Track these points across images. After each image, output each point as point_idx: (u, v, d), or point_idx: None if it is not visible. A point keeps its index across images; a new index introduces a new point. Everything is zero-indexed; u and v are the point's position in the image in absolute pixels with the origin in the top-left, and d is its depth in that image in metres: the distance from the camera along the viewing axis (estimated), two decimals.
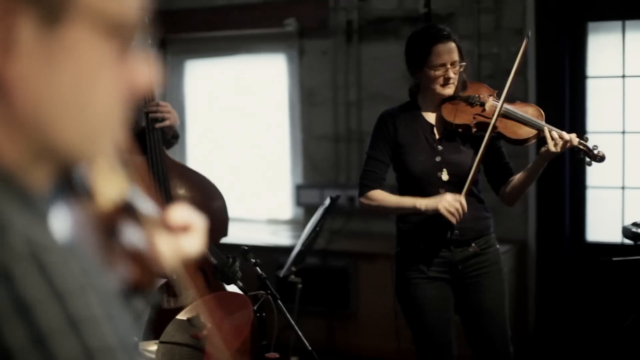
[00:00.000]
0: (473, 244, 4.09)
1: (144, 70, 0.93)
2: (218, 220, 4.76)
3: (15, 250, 0.76)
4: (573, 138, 3.89)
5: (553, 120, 5.86)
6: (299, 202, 6.95)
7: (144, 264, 1.19)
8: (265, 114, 7.35)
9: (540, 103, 6.00)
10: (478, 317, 4.15)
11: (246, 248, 3.56)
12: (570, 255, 6.11)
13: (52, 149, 0.86)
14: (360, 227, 6.66)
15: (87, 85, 0.86)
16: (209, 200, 4.75)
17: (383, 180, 4.19)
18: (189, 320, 3.01)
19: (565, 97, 6.04)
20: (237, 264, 3.54)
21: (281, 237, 6.85)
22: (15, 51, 0.80)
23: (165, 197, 4.59)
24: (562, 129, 4.04)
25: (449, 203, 3.88)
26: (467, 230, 4.05)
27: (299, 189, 6.98)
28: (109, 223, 1.12)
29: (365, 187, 4.20)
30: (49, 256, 0.77)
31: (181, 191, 4.71)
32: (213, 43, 7.49)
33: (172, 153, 7.33)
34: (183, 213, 1.35)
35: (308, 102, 6.99)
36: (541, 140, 3.98)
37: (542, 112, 4.11)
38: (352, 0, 6.70)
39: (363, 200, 4.22)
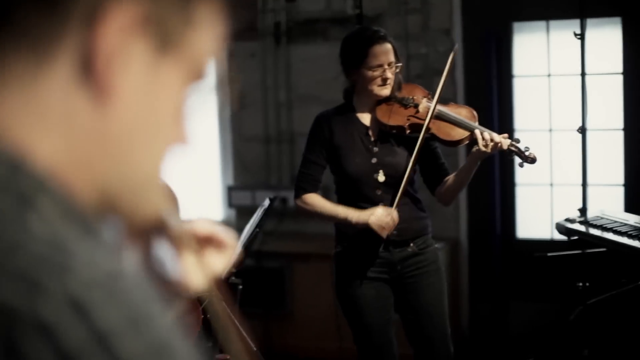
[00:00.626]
0: (412, 244, 4.13)
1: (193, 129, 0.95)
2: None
3: (83, 278, 0.72)
4: (503, 141, 3.96)
5: (482, 118, 5.93)
6: (230, 203, 6.94)
7: (170, 284, 1.17)
8: (194, 114, 7.29)
9: (469, 102, 6.11)
10: (417, 316, 4.19)
11: None
12: (502, 252, 6.20)
13: (122, 178, 0.85)
14: (294, 228, 6.67)
15: (164, 120, 0.88)
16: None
17: (319, 183, 4.23)
18: None
19: (493, 96, 6.14)
20: None
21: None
22: (125, 65, 0.80)
23: None
24: (491, 128, 4.12)
25: (379, 218, 3.93)
26: (404, 230, 4.07)
27: (230, 191, 6.97)
28: (146, 243, 1.12)
29: (300, 189, 4.23)
30: (120, 282, 0.74)
31: None
32: None
33: None
34: (207, 226, 1.34)
35: (238, 103, 6.98)
36: (474, 141, 4.03)
37: (475, 114, 4.19)
38: (280, 2, 6.72)
39: (299, 202, 4.26)
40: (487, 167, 5.93)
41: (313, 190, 4.20)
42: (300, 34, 6.71)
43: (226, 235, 1.35)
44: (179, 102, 0.91)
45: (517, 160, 4.08)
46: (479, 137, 3.94)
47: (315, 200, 4.18)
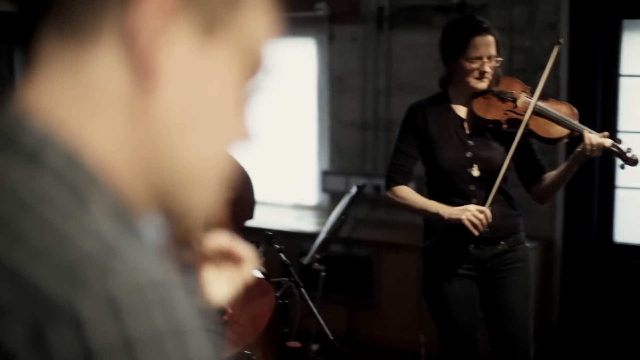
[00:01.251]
0: (502, 242, 4.02)
1: (255, 121, 0.91)
2: (245, 202, 4.73)
3: (125, 281, 0.71)
4: (605, 140, 3.81)
5: (584, 117, 5.79)
6: (324, 188, 6.92)
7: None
8: (294, 98, 7.31)
9: (571, 100, 5.95)
10: (500, 313, 4.09)
11: (270, 233, 3.53)
12: (597, 255, 6.04)
13: (172, 174, 0.82)
14: (385, 217, 6.62)
15: (216, 108, 0.84)
16: (236, 181, 4.71)
17: (410, 175, 4.12)
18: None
19: (597, 95, 5.96)
20: (261, 249, 3.52)
21: (306, 223, 6.82)
22: (168, 46, 0.78)
23: None
24: (594, 127, 3.97)
25: (473, 215, 3.81)
26: (496, 228, 3.95)
27: (324, 175, 6.95)
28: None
29: (392, 180, 4.13)
30: (162, 292, 0.72)
31: None
32: None
33: None
34: (226, 241, 1.32)
35: (337, 88, 6.95)
36: (573, 139, 3.92)
37: (576, 111, 4.04)
38: None
39: (389, 194, 4.16)
40: (587, 167, 5.75)
41: (404, 181, 4.09)
42: (403, 20, 6.63)
43: (244, 250, 1.33)
44: (234, 89, 0.86)
45: (618, 161, 3.92)
46: (586, 139, 3.79)
47: (406, 193, 4.07)
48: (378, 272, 6.31)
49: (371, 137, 6.80)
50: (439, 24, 6.17)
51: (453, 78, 4.05)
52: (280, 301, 3.42)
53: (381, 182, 6.48)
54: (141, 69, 0.78)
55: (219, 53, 0.83)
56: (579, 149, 3.83)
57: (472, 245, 4.00)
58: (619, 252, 6.03)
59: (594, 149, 3.78)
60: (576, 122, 3.95)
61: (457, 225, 3.87)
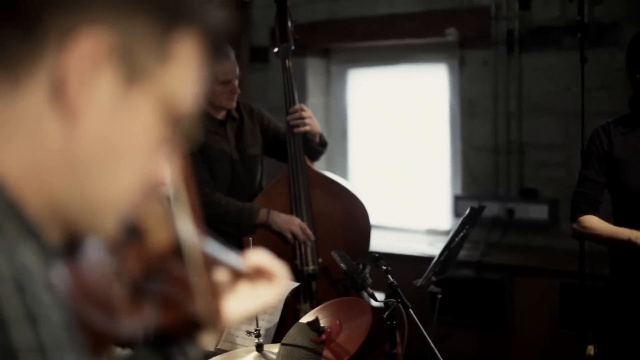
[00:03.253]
0: None
1: (167, 169, 0.99)
2: (360, 232, 4.76)
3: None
4: None
5: None
6: (457, 212, 6.87)
7: (179, 309, 1.16)
8: (426, 123, 7.32)
9: None
10: None
11: (377, 255, 3.54)
12: None
13: (81, 200, 0.91)
14: (519, 240, 6.52)
15: (131, 150, 0.92)
16: (351, 213, 4.75)
17: (598, 204, 3.87)
18: (308, 324, 3.03)
19: None
20: (367, 270, 3.53)
21: (438, 248, 6.77)
22: (92, 90, 0.87)
23: (305, 208, 4.63)
24: None
25: None
26: None
27: (457, 200, 6.90)
28: (149, 265, 1.12)
29: (578, 210, 3.87)
30: (29, 283, 0.82)
31: (322, 202, 4.73)
32: (375, 52, 7.52)
33: (334, 160, 7.48)
34: (261, 258, 1.37)
35: (468, 112, 6.91)
36: None
37: None
38: (514, 10, 6.59)
39: (575, 226, 3.89)
40: None
41: (592, 211, 3.84)
42: (533, 43, 6.55)
43: (278, 267, 1.36)
44: (151, 135, 0.93)
45: None
46: None
47: (594, 223, 3.80)
48: (510, 296, 6.22)
49: (503, 160, 6.72)
50: (570, 45, 6.09)
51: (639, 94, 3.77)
52: (388, 322, 3.41)
53: (514, 205, 6.45)
54: (65, 109, 0.86)
55: (140, 101, 0.90)
56: None
57: None
58: None
59: None
60: None
61: None
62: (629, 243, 3.64)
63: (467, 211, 4.34)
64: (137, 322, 1.05)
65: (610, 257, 3.94)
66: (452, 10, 6.84)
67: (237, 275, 1.32)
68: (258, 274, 1.36)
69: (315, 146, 4.79)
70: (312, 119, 4.69)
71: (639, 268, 3.75)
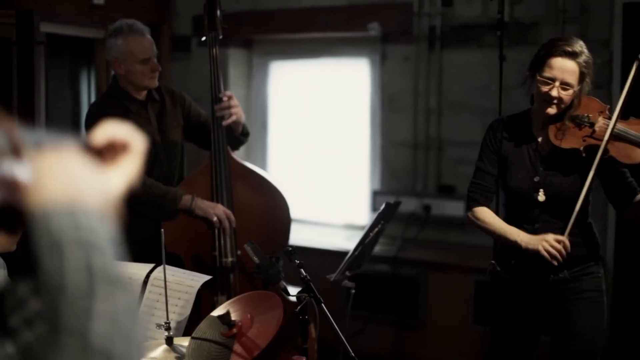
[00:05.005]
0: (565, 271, 3.88)
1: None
2: (280, 225, 4.72)
3: None
4: None
5: None
6: (375, 207, 6.88)
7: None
8: (346, 117, 7.31)
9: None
10: (566, 342, 3.97)
11: (290, 249, 3.51)
12: None
13: None
14: (435, 237, 6.56)
15: None
16: (272, 206, 4.72)
17: (492, 194, 4.02)
18: (219, 317, 2.99)
19: None
20: (280, 264, 3.50)
21: (355, 243, 6.78)
22: None
23: (227, 198, 4.58)
24: None
25: (550, 245, 3.72)
26: (567, 257, 3.80)
27: (375, 195, 6.91)
28: None
29: (473, 201, 4.02)
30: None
31: (244, 194, 4.68)
32: (298, 45, 7.49)
33: (253, 152, 7.43)
34: (108, 132, 1.25)
35: (389, 107, 6.92)
36: None
37: None
38: (436, 6, 6.61)
39: (469, 215, 4.05)
40: None
41: (485, 201, 4.00)
42: (455, 40, 6.59)
43: (129, 136, 1.26)
44: None
45: None
46: None
47: (486, 216, 3.97)
48: (425, 292, 6.24)
49: (422, 156, 6.75)
50: (491, 43, 6.14)
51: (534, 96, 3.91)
52: (300, 317, 3.38)
53: (431, 201, 6.47)
54: None
55: None
56: None
57: (533, 270, 3.90)
58: None
59: None
60: None
61: (533, 253, 3.79)
62: (515, 244, 3.81)
63: (383, 206, 4.34)
64: None
65: (495, 250, 4.13)
66: (375, 4, 6.84)
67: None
68: (110, 149, 1.25)
69: (238, 135, 4.74)
70: (238, 108, 4.64)
71: (522, 263, 3.92)
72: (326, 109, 7.41)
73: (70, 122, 7.12)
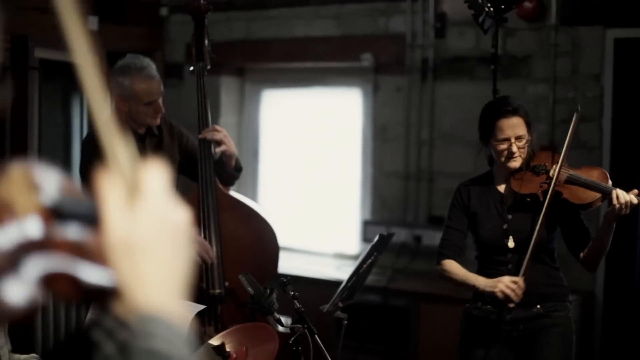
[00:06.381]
0: (538, 306, 4.10)
1: None
2: (268, 256, 4.72)
3: None
4: (634, 198, 3.88)
5: (627, 168, 5.72)
6: (365, 237, 6.89)
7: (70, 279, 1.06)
8: (338, 146, 7.34)
9: (614, 151, 5.88)
10: None
11: (285, 280, 3.52)
12: None
13: None
14: (425, 267, 6.55)
15: None
16: (260, 237, 4.72)
17: (459, 249, 4.27)
18: (214, 348, 3.00)
19: None
20: (274, 295, 3.51)
21: (345, 272, 6.78)
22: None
23: (214, 229, 4.57)
24: (637, 177, 3.99)
25: (506, 286, 3.94)
26: (529, 293, 4.02)
27: (366, 225, 6.92)
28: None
29: (441, 255, 4.30)
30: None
31: (232, 225, 4.67)
32: (290, 74, 7.53)
33: (244, 179, 7.44)
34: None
35: (380, 137, 6.95)
36: (609, 201, 3.96)
37: (607, 175, 4.11)
38: (429, 38, 6.66)
39: (438, 268, 4.32)
40: (630, 219, 5.65)
41: (453, 256, 4.24)
42: (447, 72, 6.63)
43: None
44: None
45: None
46: (614, 198, 3.88)
47: (451, 267, 4.22)
48: (415, 322, 6.24)
49: (413, 187, 6.77)
50: (482, 75, 6.18)
51: (493, 158, 4.20)
52: (294, 348, 3.39)
53: (422, 232, 6.50)
54: None
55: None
56: (609, 208, 3.93)
57: (507, 308, 4.07)
58: None
59: (622, 206, 3.86)
60: (607, 185, 4.02)
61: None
62: (474, 288, 4.10)
63: (376, 238, 4.36)
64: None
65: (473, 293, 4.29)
66: (369, 35, 6.88)
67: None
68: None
69: (230, 170, 4.72)
70: (228, 138, 4.63)
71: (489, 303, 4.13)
72: (318, 138, 7.43)
73: (62, 147, 7.12)
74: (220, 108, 7.49)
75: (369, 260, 4.29)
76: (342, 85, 7.34)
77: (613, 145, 5.94)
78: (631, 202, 3.86)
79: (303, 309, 3.46)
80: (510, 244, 4.08)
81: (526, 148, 4.07)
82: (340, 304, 4.26)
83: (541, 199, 4.05)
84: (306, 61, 7.26)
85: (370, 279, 5.68)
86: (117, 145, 1.08)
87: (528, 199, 4.09)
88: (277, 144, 7.68)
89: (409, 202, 6.81)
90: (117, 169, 1.07)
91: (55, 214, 1.05)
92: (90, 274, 1.06)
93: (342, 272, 6.76)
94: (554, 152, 4.24)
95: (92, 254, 1.07)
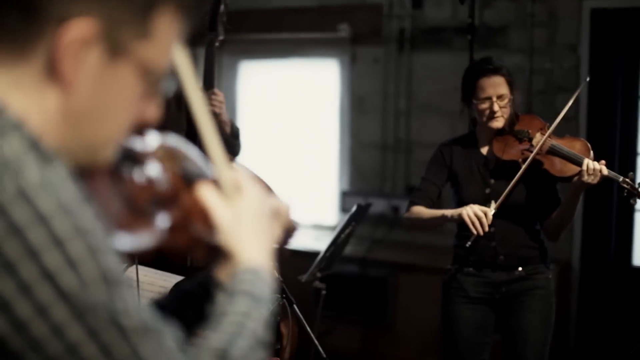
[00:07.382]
0: (520, 269, 4.11)
1: (154, 110, 1.24)
2: None
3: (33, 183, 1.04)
4: (603, 168, 3.87)
5: (603, 139, 5.74)
6: (343, 208, 6.90)
7: (189, 233, 1.34)
8: (315, 118, 7.33)
9: (590, 122, 5.91)
10: (514, 338, 4.14)
11: None
12: (615, 279, 5.97)
13: (82, 143, 1.17)
14: (403, 238, 6.59)
15: (117, 105, 1.18)
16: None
17: (430, 201, 4.21)
18: None
19: (616, 117, 5.91)
20: None
21: (324, 243, 6.80)
22: (82, 64, 1.11)
23: None
24: (613, 148, 3.98)
25: (473, 212, 3.89)
26: (510, 256, 4.08)
27: (344, 196, 6.94)
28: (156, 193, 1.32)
29: (410, 203, 4.25)
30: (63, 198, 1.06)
31: None
32: (267, 45, 7.50)
33: None
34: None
35: (358, 108, 6.95)
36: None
37: (589, 147, 4.07)
38: (406, 8, 6.65)
39: (405, 216, 4.27)
40: (605, 191, 5.70)
41: (423, 205, 4.20)
42: (424, 42, 6.63)
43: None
44: (131, 95, 1.18)
45: (630, 199, 4.00)
46: (584, 164, 3.87)
47: (418, 209, 4.18)
48: (393, 293, 6.27)
49: (391, 158, 6.79)
50: (459, 46, 6.18)
51: (476, 119, 4.18)
52: (272, 318, 3.39)
53: (400, 202, 6.50)
54: (59, 79, 1.11)
55: (122, 69, 1.15)
56: (576, 177, 3.90)
57: (488, 270, 4.11)
58: (637, 276, 5.95)
59: (590, 173, 3.85)
60: (589, 159, 3.95)
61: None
62: (443, 217, 4.05)
63: (354, 208, 4.37)
64: (141, 237, 1.26)
65: (455, 254, 4.29)
66: (345, 6, 6.86)
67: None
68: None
69: (228, 137, 4.51)
70: (222, 104, 4.44)
71: (480, 262, 4.14)
72: (295, 110, 7.42)
73: None
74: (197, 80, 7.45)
75: (347, 231, 4.30)
76: (319, 56, 7.33)
77: (589, 116, 5.96)
78: (601, 172, 3.84)
79: (282, 279, 3.46)
80: (492, 208, 4.05)
81: (508, 107, 4.06)
82: (318, 274, 4.28)
83: (522, 166, 4.04)
84: (283, 32, 7.24)
85: (348, 250, 5.70)
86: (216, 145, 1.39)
87: (509, 166, 4.08)
88: (254, 115, 7.67)
89: (386, 172, 6.82)
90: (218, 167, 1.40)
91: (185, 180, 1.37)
92: (206, 233, 1.35)
93: (320, 242, 6.77)
94: (537, 118, 4.23)
95: (207, 217, 1.35)
